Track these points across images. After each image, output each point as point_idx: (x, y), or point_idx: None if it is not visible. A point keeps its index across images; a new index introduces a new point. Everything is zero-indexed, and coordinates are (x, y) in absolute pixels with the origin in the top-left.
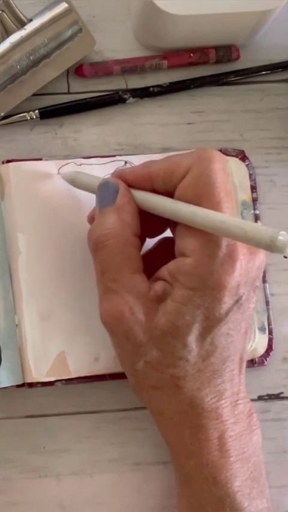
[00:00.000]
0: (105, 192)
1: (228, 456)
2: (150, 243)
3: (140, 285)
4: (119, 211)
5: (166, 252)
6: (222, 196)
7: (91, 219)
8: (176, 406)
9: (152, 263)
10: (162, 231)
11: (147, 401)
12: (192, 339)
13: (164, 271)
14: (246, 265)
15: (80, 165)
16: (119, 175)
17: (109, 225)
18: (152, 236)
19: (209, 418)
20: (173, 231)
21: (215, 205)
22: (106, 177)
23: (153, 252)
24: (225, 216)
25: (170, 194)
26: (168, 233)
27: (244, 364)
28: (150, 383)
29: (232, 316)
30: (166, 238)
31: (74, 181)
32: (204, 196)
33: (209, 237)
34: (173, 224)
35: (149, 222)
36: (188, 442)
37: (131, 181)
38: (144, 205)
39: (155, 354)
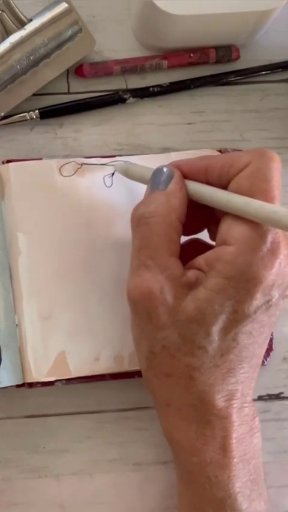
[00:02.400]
0: (159, 177)
1: (232, 457)
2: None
3: (174, 268)
4: (168, 195)
5: (194, 252)
6: (277, 194)
7: None
8: (186, 398)
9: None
10: (200, 230)
11: (156, 389)
12: (216, 329)
13: (200, 259)
14: (284, 267)
15: (81, 164)
16: (174, 165)
17: (156, 205)
18: (188, 234)
19: (217, 416)
20: (212, 232)
21: (269, 201)
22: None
23: (182, 248)
24: (278, 207)
25: (223, 187)
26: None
27: (258, 370)
28: (164, 369)
29: (259, 315)
30: (195, 240)
31: (128, 173)
32: (260, 190)
33: (256, 229)
34: (215, 223)
35: (190, 219)
36: (193, 437)
37: (187, 171)
38: (196, 195)
39: (175, 339)
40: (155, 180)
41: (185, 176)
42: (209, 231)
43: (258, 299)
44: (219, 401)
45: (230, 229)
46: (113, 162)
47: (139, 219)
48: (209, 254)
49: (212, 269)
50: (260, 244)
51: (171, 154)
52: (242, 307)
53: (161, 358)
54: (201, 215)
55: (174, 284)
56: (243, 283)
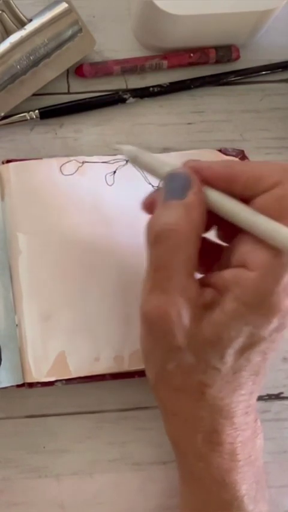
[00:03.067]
0: (175, 183)
1: (238, 460)
2: None
3: (192, 289)
4: (188, 208)
5: (200, 252)
6: None
7: (148, 205)
8: (195, 411)
9: None
10: (208, 229)
11: (164, 400)
12: (231, 352)
13: (217, 278)
14: None
15: (82, 162)
16: (193, 167)
17: (175, 220)
18: None
19: (224, 425)
20: (223, 235)
21: None
22: (176, 165)
23: None
24: None
25: (244, 200)
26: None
27: (264, 379)
28: (174, 384)
29: (273, 336)
30: (202, 238)
31: (136, 159)
32: (286, 214)
33: (279, 257)
34: (227, 228)
35: None
36: (200, 445)
37: (207, 177)
38: (216, 208)
39: (190, 359)
40: (171, 186)
41: (205, 181)
42: (219, 231)
43: (274, 323)
44: (228, 412)
45: (251, 252)
46: (121, 147)
47: (156, 237)
48: (226, 274)
49: (229, 291)
50: (282, 273)
51: (171, 155)
52: (258, 331)
53: (173, 374)
54: (213, 215)
55: (191, 306)
56: (262, 311)
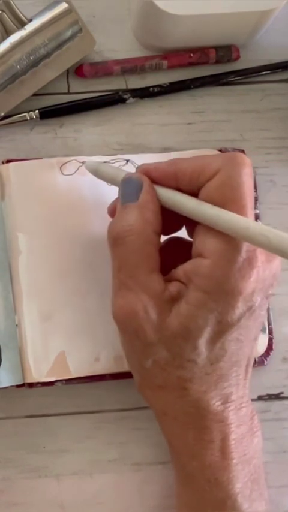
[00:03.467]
0: (128, 187)
1: (231, 458)
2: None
3: (155, 284)
4: (141, 208)
5: (175, 250)
6: (248, 202)
7: (112, 211)
8: (181, 407)
9: (161, 261)
10: (178, 229)
11: (152, 401)
12: (202, 342)
13: (180, 271)
14: (263, 273)
15: (82, 162)
16: (143, 170)
17: (130, 222)
18: (167, 234)
19: (214, 421)
20: (189, 231)
21: (240, 210)
22: (130, 172)
23: (162, 249)
24: (250, 222)
25: (194, 194)
26: (178, 233)
27: (250, 369)
28: (156, 382)
29: (244, 322)
30: (175, 238)
31: (97, 172)
32: (231, 199)
33: (230, 241)
34: (191, 224)
35: (166, 220)
36: (191, 443)
37: (156, 177)
38: (167, 203)
39: (164, 354)
40: (125, 191)
41: (155, 182)
42: (186, 229)
43: (240, 308)
44: (215, 406)
45: (204, 241)
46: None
47: (115, 239)
48: (186, 266)
49: (191, 282)
50: (235, 256)
51: (171, 154)
52: (225, 317)
53: (153, 372)
54: (177, 214)
55: (156, 301)
56: (223, 296)
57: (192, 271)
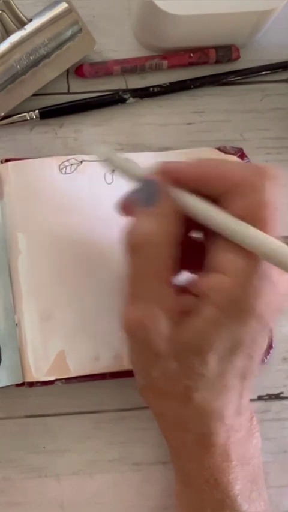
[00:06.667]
0: (148, 190)
1: (230, 460)
2: None
3: (169, 297)
4: (162, 216)
5: (183, 251)
6: (275, 220)
7: (125, 208)
8: (183, 413)
9: None
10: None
11: (152, 404)
12: (213, 357)
13: (196, 284)
14: (278, 292)
15: (81, 161)
16: (164, 170)
17: (150, 230)
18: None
19: (215, 428)
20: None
21: (267, 229)
22: (148, 169)
23: None
24: (278, 244)
25: (212, 199)
26: None
27: (253, 375)
28: (161, 389)
29: (255, 339)
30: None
31: (109, 162)
32: (257, 217)
33: (252, 260)
34: (207, 232)
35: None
36: (191, 445)
37: (176, 178)
38: (188, 211)
39: (173, 366)
40: (144, 195)
41: (175, 183)
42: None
43: (254, 327)
44: (216, 412)
45: (224, 256)
46: (96, 148)
47: (133, 247)
48: (204, 281)
49: (206, 297)
50: (254, 275)
51: (170, 153)
52: (238, 335)
53: (159, 380)
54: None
55: (169, 314)
56: (239, 314)
57: (209, 286)
